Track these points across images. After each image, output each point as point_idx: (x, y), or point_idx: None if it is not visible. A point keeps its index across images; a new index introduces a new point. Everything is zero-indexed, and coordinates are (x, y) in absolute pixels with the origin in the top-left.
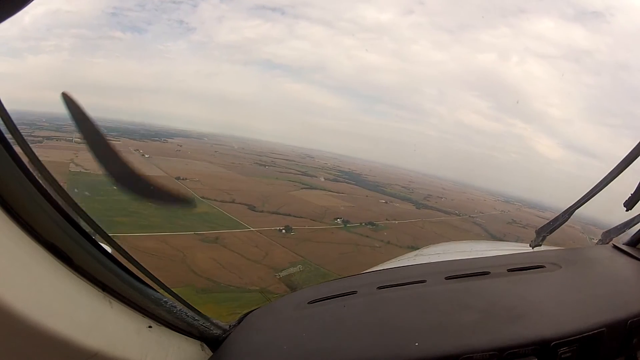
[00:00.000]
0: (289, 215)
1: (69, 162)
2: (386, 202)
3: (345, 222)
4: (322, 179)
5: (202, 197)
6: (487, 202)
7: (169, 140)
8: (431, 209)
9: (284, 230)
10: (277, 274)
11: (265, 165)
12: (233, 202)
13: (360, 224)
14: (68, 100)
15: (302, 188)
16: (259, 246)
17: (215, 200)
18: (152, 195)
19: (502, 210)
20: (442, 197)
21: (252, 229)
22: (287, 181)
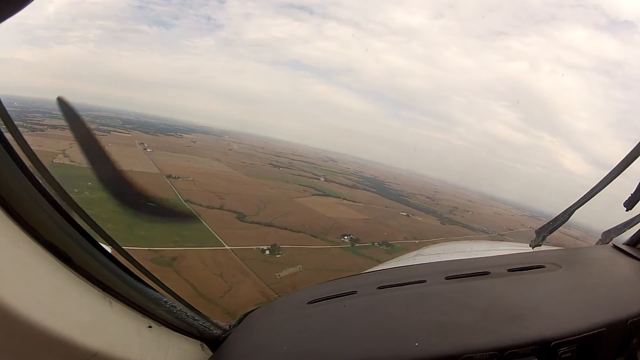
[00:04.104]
0: (285, 228)
1: (59, 152)
2: (407, 215)
3: (353, 240)
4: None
5: (186, 201)
6: (514, 217)
7: (185, 135)
8: (457, 225)
9: (267, 251)
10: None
11: (279, 167)
12: (221, 208)
13: (372, 243)
14: (63, 104)
15: (313, 194)
16: (224, 275)
17: (200, 205)
18: (143, 208)
19: (530, 227)
20: (468, 211)
21: (226, 247)
22: (298, 185)
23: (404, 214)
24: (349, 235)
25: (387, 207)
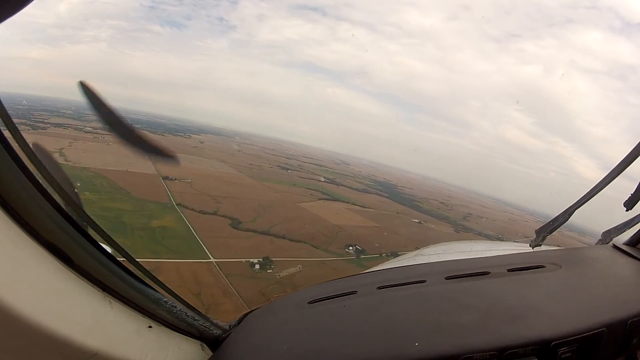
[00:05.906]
0: (283, 237)
1: (55, 151)
2: (420, 222)
3: (359, 251)
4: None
5: (178, 204)
6: (529, 223)
7: (193, 135)
8: (471, 232)
9: (257, 265)
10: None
11: (287, 169)
12: (215, 213)
13: (380, 254)
14: (86, 89)
15: (320, 199)
16: (202, 294)
17: (192, 209)
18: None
19: None
20: (482, 217)
21: (211, 260)
22: (305, 189)
23: (416, 220)
24: (354, 245)
25: (398, 213)
